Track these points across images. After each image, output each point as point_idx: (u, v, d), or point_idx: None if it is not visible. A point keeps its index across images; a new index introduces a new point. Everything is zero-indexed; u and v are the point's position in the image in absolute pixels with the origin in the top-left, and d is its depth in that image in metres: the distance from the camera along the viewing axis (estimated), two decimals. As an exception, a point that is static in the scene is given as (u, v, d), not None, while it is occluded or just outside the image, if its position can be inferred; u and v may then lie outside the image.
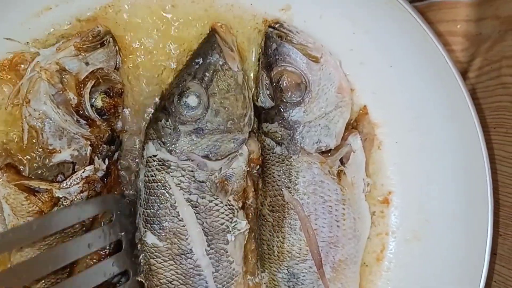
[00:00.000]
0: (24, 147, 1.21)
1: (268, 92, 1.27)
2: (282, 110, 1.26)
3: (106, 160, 1.22)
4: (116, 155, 1.26)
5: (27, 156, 1.23)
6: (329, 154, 1.28)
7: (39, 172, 1.21)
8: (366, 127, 1.34)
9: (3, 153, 1.23)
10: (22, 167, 1.22)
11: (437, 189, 1.32)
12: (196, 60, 1.23)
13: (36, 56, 1.21)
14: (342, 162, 1.29)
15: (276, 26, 1.27)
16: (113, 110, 1.23)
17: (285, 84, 1.25)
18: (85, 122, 1.20)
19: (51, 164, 1.19)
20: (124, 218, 1.24)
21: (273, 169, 1.28)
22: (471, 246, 1.26)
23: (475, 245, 1.24)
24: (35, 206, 1.16)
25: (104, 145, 1.22)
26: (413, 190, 1.36)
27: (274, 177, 1.28)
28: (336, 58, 1.29)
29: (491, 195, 1.22)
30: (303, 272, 1.29)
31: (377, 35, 1.29)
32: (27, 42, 1.24)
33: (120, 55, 1.26)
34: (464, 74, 1.37)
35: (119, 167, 1.28)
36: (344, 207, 1.28)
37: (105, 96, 1.22)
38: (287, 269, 1.30)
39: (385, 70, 1.31)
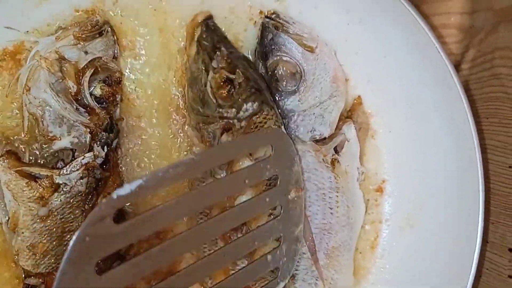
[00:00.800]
0: (24, 135, 1.25)
1: (264, 82, 1.29)
2: (277, 99, 1.29)
3: (105, 147, 1.25)
4: (114, 143, 1.29)
5: (27, 144, 1.26)
6: (323, 142, 1.31)
7: (39, 159, 1.24)
8: (360, 117, 1.37)
9: (3, 141, 1.25)
10: (22, 154, 1.25)
11: (430, 177, 1.35)
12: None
13: (36, 45, 1.24)
14: (336, 150, 1.31)
15: (273, 16, 1.29)
16: (111, 98, 1.26)
17: (280, 74, 1.28)
18: (84, 110, 1.23)
19: (51, 151, 1.22)
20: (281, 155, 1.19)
21: None
22: (463, 233, 1.28)
23: (467, 233, 1.26)
24: (36, 191, 1.19)
25: (103, 133, 1.24)
26: (407, 179, 1.39)
27: None
28: (331, 48, 1.33)
29: (482, 184, 1.24)
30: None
31: (371, 26, 1.31)
32: (27, 31, 1.27)
33: (117, 45, 1.29)
34: (457, 65, 1.40)
35: (117, 154, 1.31)
36: (337, 195, 1.31)
37: (104, 84, 1.26)
38: None
39: (380, 61, 1.34)
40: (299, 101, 1.29)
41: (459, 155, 1.29)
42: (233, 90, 1.24)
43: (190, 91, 1.29)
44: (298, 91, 1.28)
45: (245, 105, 1.23)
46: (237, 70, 1.24)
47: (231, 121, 1.25)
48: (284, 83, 1.29)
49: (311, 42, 1.28)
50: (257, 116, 1.24)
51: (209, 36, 1.27)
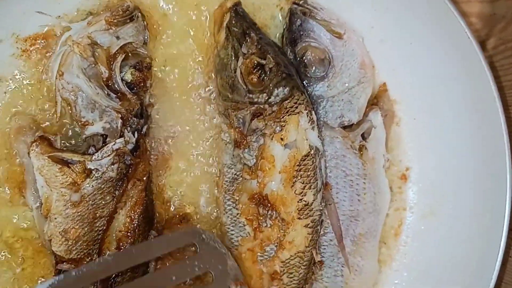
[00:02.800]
0: (57, 120, 1.28)
1: (293, 68, 1.32)
2: (306, 85, 1.33)
3: (136, 133, 1.28)
4: (144, 129, 1.31)
5: (59, 130, 1.30)
6: (351, 129, 1.34)
7: (71, 145, 1.28)
8: (386, 104, 1.40)
9: (34, 127, 1.28)
10: (53, 140, 1.28)
11: (455, 165, 1.37)
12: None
13: (66, 30, 1.27)
14: (363, 137, 1.35)
15: (300, 2, 1.32)
16: (142, 84, 1.29)
17: (309, 60, 1.32)
18: (115, 95, 1.26)
19: (83, 136, 1.25)
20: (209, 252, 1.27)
21: None
22: (488, 220, 1.30)
23: (492, 220, 1.29)
24: (68, 177, 1.22)
25: (134, 118, 1.27)
26: (431, 166, 1.41)
27: None
28: (359, 35, 1.35)
29: (510, 172, 1.26)
30: (323, 245, 1.36)
31: (397, 13, 1.33)
32: (59, 16, 1.29)
33: (148, 30, 1.32)
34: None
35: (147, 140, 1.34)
36: (365, 182, 1.34)
37: (134, 70, 1.28)
38: None
39: (405, 47, 1.36)
40: (327, 87, 1.32)
41: (485, 143, 1.31)
42: (263, 75, 1.27)
43: (218, 77, 1.32)
44: (327, 77, 1.31)
45: (276, 90, 1.26)
46: (268, 55, 1.26)
47: (262, 106, 1.28)
48: (313, 69, 1.32)
49: (339, 28, 1.30)
50: (288, 101, 1.27)
51: (238, 22, 1.28)
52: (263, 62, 1.26)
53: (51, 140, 1.27)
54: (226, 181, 1.33)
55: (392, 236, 1.46)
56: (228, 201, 1.33)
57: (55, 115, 1.27)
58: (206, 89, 1.38)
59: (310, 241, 1.31)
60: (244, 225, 1.31)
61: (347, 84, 1.32)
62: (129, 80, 1.29)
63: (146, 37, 1.32)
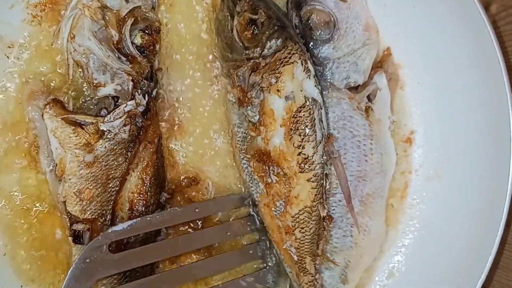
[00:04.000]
0: (69, 82, 1.31)
1: (298, 31, 1.35)
2: (312, 47, 1.35)
3: (146, 96, 1.31)
4: (154, 92, 1.35)
5: (71, 92, 1.33)
6: (357, 91, 1.37)
7: (83, 108, 1.32)
8: (390, 68, 1.44)
9: (46, 91, 1.31)
10: (66, 102, 1.32)
11: (459, 128, 1.40)
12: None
13: None
14: (369, 99, 1.38)
15: None
16: (151, 47, 1.32)
17: (314, 22, 1.34)
18: (126, 58, 1.28)
19: (96, 97, 1.29)
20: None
21: None
22: (493, 183, 1.33)
23: (497, 183, 1.31)
24: (82, 138, 1.25)
25: (145, 81, 1.30)
26: (435, 129, 1.45)
27: None
28: None
29: None
30: (332, 206, 1.39)
31: None
32: None
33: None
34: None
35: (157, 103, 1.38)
36: (371, 142, 1.37)
37: (144, 33, 1.31)
38: None
39: (408, 11, 1.39)
40: (333, 49, 1.34)
41: (489, 106, 1.32)
42: (257, 30, 1.30)
43: (219, 40, 1.35)
44: (332, 39, 1.33)
45: (268, 42, 1.29)
46: (259, 10, 1.28)
47: (257, 60, 1.30)
48: (319, 32, 1.34)
49: None
50: (281, 52, 1.29)
51: None
52: (255, 17, 1.28)
53: (63, 102, 1.30)
54: (238, 140, 1.38)
55: (398, 198, 1.50)
56: (243, 160, 1.38)
57: (67, 78, 1.31)
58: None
59: (316, 196, 1.34)
60: (258, 182, 1.36)
61: (352, 46, 1.34)
62: (139, 44, 1.32)
63: (154, 2, 1.35)
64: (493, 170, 1.33)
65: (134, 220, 1.28)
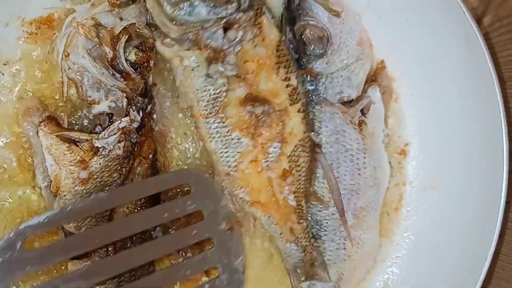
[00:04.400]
0: (64, 100, 1.32)
1: (291, 46, 1.32)
2: (305, 62, 1.35)
3: (141, 112, 1.31)
4: (149, 108, 1.35)
5: (66, 109, 1.34)
6: (350, 105, 1.36)
7: (78, 125, 1.33)
8: (384, 81, 1.44)
9: (41, 108, 1.31)
10: (61, 119, 1.32)
11: (453, 139, 1.41)
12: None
13: (71, 13, 1.31)
14: (362, 113, 1.38)
15: None
16: (145, 64, 1.32)
17: (308, 37, 1.34)
18: (120, 75, 1.28)
19: (90, 115, 1.30)
20: (202, 192, 1.32)
21: None
22: (486, 194, 1.33)
23: (490, 193, 1.31)
24: (76, 155, 1.26)
25: (139, 97, 1.31)
26: (430, 141, 1.46)
27: None
28: (356, 12, 1.36)
29: (506, 145, 1.28)
30: (325, 219, 1.39)
31: None
32: None
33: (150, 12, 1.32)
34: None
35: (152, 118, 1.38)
36: (365, 156, 1.37)
37: (138, 50, 1.31)
38: (311, 216, 1.40)
39: (402, 24, 1.39)
40: (326, 63, 1.33)
41: (483, 118, 1.33)
42: None
43: (164, 4, 1.25)
44: (326, 54, 1.33)
45: None
46: None
47: (234, 16, 1.25)
48: (312, 46, 1.34)
49: (336, 6, 1.31)
50: (255, 5, 1.27)
51: None
52: None
53: (58, 119, 1.31)
54: (205, 105, 1.31)
55: (393, 210, 1.50)
56: (213, 124, 1.31)
57: (62, 95, 1.31)
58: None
59: (306, 125, 1.34)
60: (239, 139, 1.31)
61: (345, 61, 1.34)
62: (133, 60, 1.32)
63: (149, 18, 1.33)
64: (487, 181, 1.34)
65: (52, 212, 1.19)
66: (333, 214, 1.38)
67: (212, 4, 1.21)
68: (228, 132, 1.30)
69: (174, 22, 1.24)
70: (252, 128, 1.29)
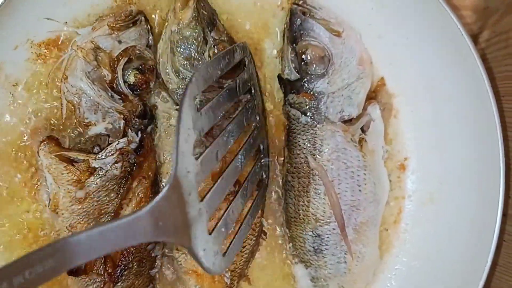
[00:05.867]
0: (63, 121, 1.09)
1: (293, 65, 1.12)
2: (307, 82, 1.12)
3: (139, 133, 1.08)
4: (149, 128, 1.11)
5: (66, 130, 1.11)
6: (351, 123, 1.14)
7: (77, 145, 1.10)
8: (384, 98, 1.19)
9: (48, 128, 1.10)
10: (62, 139, 1.10)
11: (451, 154, 1.16)
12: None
13: (75, 35, 1.09)
14: (363, 130, 1.15)
15: (300, 2, 1.11)
16: (145, 86, 1.08)
17: (309, 58, 1.10)
18: (119, 97, 1.05)
19: (87, 136, 1.07)
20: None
21: (299, 138, 1.13)
22: (484, 207, 1.11)
23: (487, 206, 1.09)
24: (73, 175, 1.03)
25: (137, 119, 1.07)
26: (428, 156, 1.20)
27: (300, 146, 1.13)
28: (357, 32, 1.14)
29: (503, 160, 1.07)
30: (327, 234, 1.15)
31: (394, 9, 1.12)
32: (66, 22, 1.10)
33: (151, 34, 1.10)
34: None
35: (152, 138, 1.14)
36: (365, 173, 1.13)
37: (137, 72, 1.07)
38: (312, 231, 1.16)
39: (402, 43, 1.15)
40: (328, 83, 1.10)
41: (480, 132, 1.11)
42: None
43: (177, 55, 1.08)
44: (327, 74, 1.10)
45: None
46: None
47: None
48: (314, 66, 1.10)
49: (337, 26, 1.10)
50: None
51: (206, 6, 1.08)
52: None
53: (59, 140, 1.09)
54: None
55: (392, 223, 1.24)
56: None
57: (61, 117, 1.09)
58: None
59: (257, 211, 1.16)
60: None
61: (346, 81, 1.11)
62: (132, 82, 1.07)
63: (149, 40, 1.10)
64: (484, 195, 1.11)
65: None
66: (333, 229, 1.14)
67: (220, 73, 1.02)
68: None
69: (177, 74, 1.07)
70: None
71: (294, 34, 1.11)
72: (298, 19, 1.10)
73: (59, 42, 1.11)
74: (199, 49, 1.06)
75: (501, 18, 1.17)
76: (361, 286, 1.21)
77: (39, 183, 1.11)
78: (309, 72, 1.11)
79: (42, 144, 1.06)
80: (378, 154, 1.16)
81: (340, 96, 1.11)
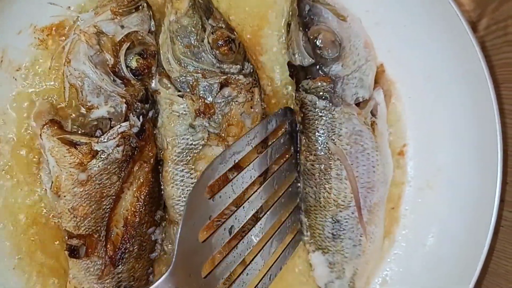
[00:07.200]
0: (66, 104, 1.11)
1: (306, 51, 1.14)
2: (322, 66, 1.13)
3: (141, 118, 1.09)
4: (150, 113, 1.12)
5: (68, 113, 1.13)
6: (361, 107, 1.17)
7: (80, 128, 1.11)
8: (385, 84, 1.22)
9: (52, 111, 1.12)
10: (64, 122, 1.12)
11: (449, 140, 1.19)
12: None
13: (77, 20, 1.11)
14: (372, 114, 1.18)
15: None
16: (147, 71, 1.09)
17: (322, 42, 1.12)
18: (121, 81, 1.07)
19: (89, 119, 1.08)
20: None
21: (316, 123, 1.15)
22: (481, 193, 1.13)
23: (485, 192, 1.12)
24: (76, 157, 1.04)
25: (139, 103, 1.08)
26: (427, 142, 1.22)
27: (318, 131, 1.15)
28: (357, 17, 1.17)
29: (501, 146, 1.09)
30: (345, 218, 1.17)
31: None
32: (69, 7, 1.12)
33: (153, 20, 1.12)
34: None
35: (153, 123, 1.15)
36: (377, 154, 1.16)
37: (139, 57, 1.08)
38: (332, 217, 1.17)
39: (399, 30, 1.18)
40: (342, 66, 1.12)
41: (478, 119, 1.13)
42: (235, 48, 1.09)
43: (177, 44, 1.09)
44: (340, 57, 1.12)
45: (246, 63, 1.13)
46: (234, 32, 1.12)
47: (235, 76, 1.11)
48: (327, 50, 1.12)
49: (342, 11, 1.13)
50: (253, 75, 1.15)
51: None
52: (233, 36, 1.09)
53: (61, 123, 1.10)
54: (179, 152, 1.12)
55: (390, 209, 1.26)
56: (181, 172, 1.12)
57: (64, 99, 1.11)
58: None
59: None
60: None
61: (357, 63, 1.13)
62: (134, 67, 1.08)
63: (151, 26, 1.11)
64: (483, 181, 1.13)
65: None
66: (352, 213, 1.16)
67: (220, 59, 1.09)
68: (192, 184, 1.11)
69: (179, 63, 1.09)
70: (217, 187, 1.06)
71: (305, 20, 1.13)
72: (307, 5, 1.12)
73: (63, 27, 1.14)
74: (197, 36, 1.08)
75: (500, 5, 1.18)
76: (372, 267, 1.24)
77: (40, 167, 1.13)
78: (324, 56, 1.12)
79: (44, 127, 1.06)
80: (385, 136, 1.20)
81: (354, 79, 1.13)
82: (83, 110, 1.08)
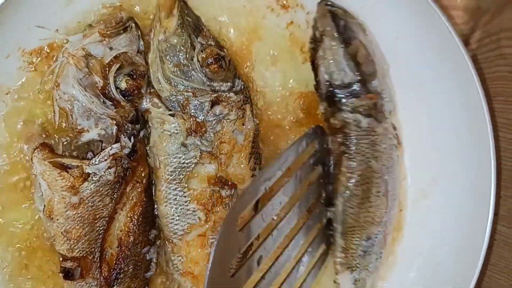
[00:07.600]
0: (56, 128, 1.11)
1: (348, 68, 1.11)
2: (365, 83, 1.11)
3: (132, 138, 1.09)
4: (141, 133, 1.13)
5: (59, 136, 1.13)
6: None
7: (71, 151, 1.11)
8: None
9: (43, 134, 1.12)
10: (56, 146, 1.12)
11: (443, 152, 1.20)
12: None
13: (66, 43, 1.11)
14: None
15: (329, 3, 1.12)
16: (136, 91, 1.09)
17: (360, 57, 1.10)
18: (111, 103, 1.07)
19: (80, 142, 1.08)
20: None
21: (361, 144, 1.13)
22: (475, 206, 1.14)
23: (479, 206, 1.12)
24: (67, 181, 1.05)
25: (129, 124, 1.09)
26: (420, 153, 1.23)
27: (363, 151, 1.13)
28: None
29: (494, 159, 1.10)
30: (376, 234, 1.18)
31: (383, 8, 1.15)
32: (57, 30, 1.12)
33: (142, 40, 1.12)
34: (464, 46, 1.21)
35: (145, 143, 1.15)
36: (397, 154, 1.19)
37: (129, 78, 1.08)
38: (367, 235, 1.17)
39: (391, 42, 1.18)
40: (378, 80, 1.13)
41: (471, 133, 1.14)
42: (225, 66, 1.09)
43: (167, 63, 1.09)
44: (376, 72, 1.12)
45: (237, 80, 1.12)
46: (224, 49, 1.11)
47: (226, 94, 1.10)
48: (367, 66, 1.11)
49: (363, 24, 1.14)
50: (244, 92, 1.15)
51: (190, 13, 1.10)
52: (223, 53, 1.08)
53: (52, 146, 1.10)
54: (171, 171, 1.12)
55: None
56: (174, 190, 1.12)
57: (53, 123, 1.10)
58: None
59: None
60: (194, 211, 1.12)
61: (384, 75, 1.15)
62: (124, 88, 1.09)
63: (140, 46, 1.11)
64: (477, 194, 1.15)
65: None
66: (381, 228, 1.18)
67: (210, 77, 1.08)
68: (186, 202, 1.11)
69: (169, 82, 1.08)
70: (210, 205, 1.10)
71: (343, 36, 1.10)
72: (341, 20, 1.10)
73: (51, 50, 1.14)
74: (187, 55, 1.08)
75: (492, 18, 1.19)
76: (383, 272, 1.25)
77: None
78: (365, 72, 1.10)
79: (35, 151, 1.06)
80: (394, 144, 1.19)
81: (386, 93, 1.14)
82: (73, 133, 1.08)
